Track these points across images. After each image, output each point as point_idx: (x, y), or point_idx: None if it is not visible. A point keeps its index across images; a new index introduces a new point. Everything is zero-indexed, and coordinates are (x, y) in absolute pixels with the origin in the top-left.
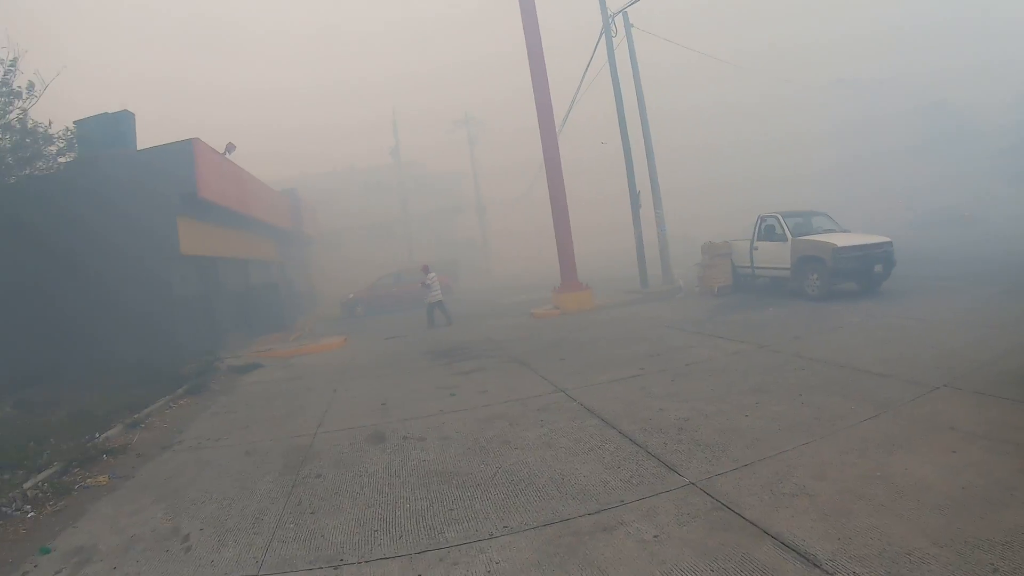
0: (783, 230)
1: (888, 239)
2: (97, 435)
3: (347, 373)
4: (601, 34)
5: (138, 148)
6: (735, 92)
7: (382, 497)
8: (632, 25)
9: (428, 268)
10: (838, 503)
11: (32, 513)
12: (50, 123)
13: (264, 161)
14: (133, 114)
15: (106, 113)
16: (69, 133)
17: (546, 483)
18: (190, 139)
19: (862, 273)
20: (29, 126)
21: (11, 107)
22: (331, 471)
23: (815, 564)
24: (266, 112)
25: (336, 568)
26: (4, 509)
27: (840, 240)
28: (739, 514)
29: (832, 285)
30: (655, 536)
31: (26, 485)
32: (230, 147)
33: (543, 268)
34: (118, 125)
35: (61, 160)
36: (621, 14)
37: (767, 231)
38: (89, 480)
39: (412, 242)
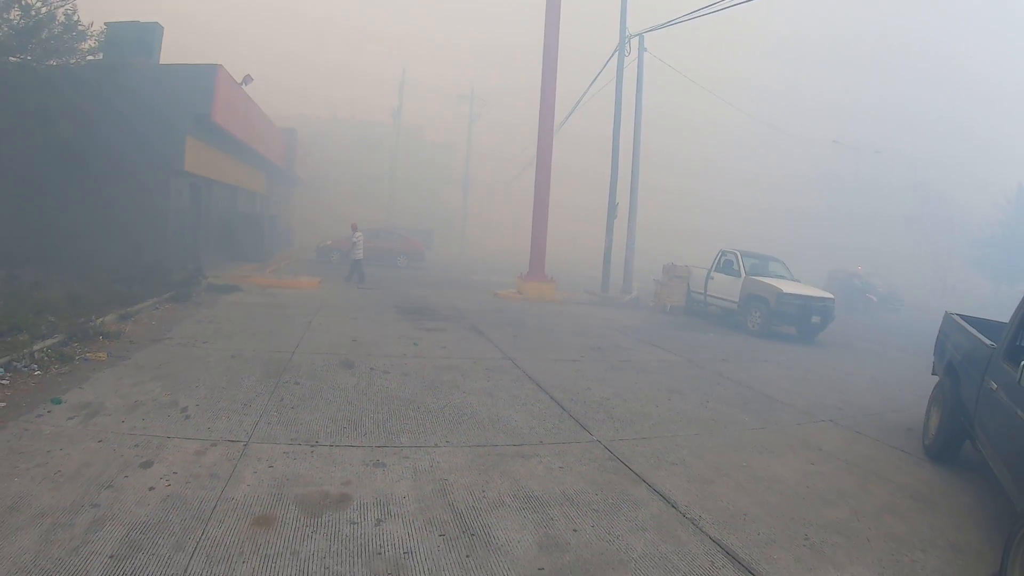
0: (739, 267)
1: (831, 296)
2: (94, 318)
3: (321, 311)
4: (615, 52)
5: (160, 62)
6: (736, 128)
7: (350, 406)
8: (645, 49)
9: (356, 227)
10: (705, 475)
11: (38, 372)
12: (92, 23)
13: (266, 90)
14: (162, 27)
15: (138, 21)
16: (101, 34)
17: (484, 420)
18: (215, 64)
19: (801, 320)
20: (73, 19)
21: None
22: (307, 381)
23: (672, 505)
24: (280, 39)
25: (312, 447)
26: (15, 364)
27: (787, 287)
28: (627, 465)
29: (772, 325)
30: (560, 467)
31: (34, 347)
32: (247, 79)
33: (513, 258)
34: (145, 35)
35: (89, 59)
36: (638, 37)
37: (725, 265)
38: (88, 354)
39: (394, 203)
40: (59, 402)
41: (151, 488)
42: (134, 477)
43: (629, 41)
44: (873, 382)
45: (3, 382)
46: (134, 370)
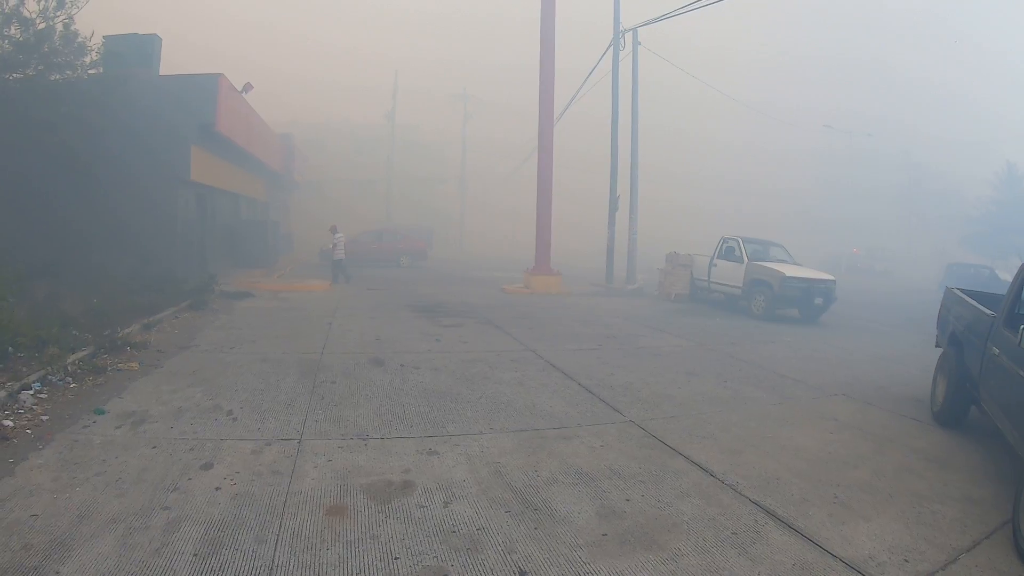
0: (741, 253)
1: (832, 277)
2: (119, 329)
3: (338, 312)
4: (609, 45)
5: (160, 73)
6: (733, 118)
7: (391, 402)
8: (640, 43)
9: (336, 228)
10: (734, 446)
11: (73, 384)
12: (92, 34)
13: (261, 100)
14: (161, 39)
15: (136, 34)
16: (100, 47)
17: (520, 407)
18: (216, 74)
19: (804, 302)
20: (71, 30)
21: (59, 12)
22: (343, 380)
23: (711, 474)
24: (273, 51)
25: (364, 440)
26: (51, 378)
27: (789, 271)
28: (663, 441)
29: (776, 308)
30: (601, 445)
31: (67, 360)
32: (247, 87)
33: (513, 252)
34: (144, 47)
35: (91, 72)
36: (632, 31)
37: (727, 251)
38: (120, 365)
39: (392, 203)
40: (102, 412)
41: (217, 488)
42: (197, 479)
43: (623, 36)
44: (878, 358)
45: (41, 395)
46: (169, 377)
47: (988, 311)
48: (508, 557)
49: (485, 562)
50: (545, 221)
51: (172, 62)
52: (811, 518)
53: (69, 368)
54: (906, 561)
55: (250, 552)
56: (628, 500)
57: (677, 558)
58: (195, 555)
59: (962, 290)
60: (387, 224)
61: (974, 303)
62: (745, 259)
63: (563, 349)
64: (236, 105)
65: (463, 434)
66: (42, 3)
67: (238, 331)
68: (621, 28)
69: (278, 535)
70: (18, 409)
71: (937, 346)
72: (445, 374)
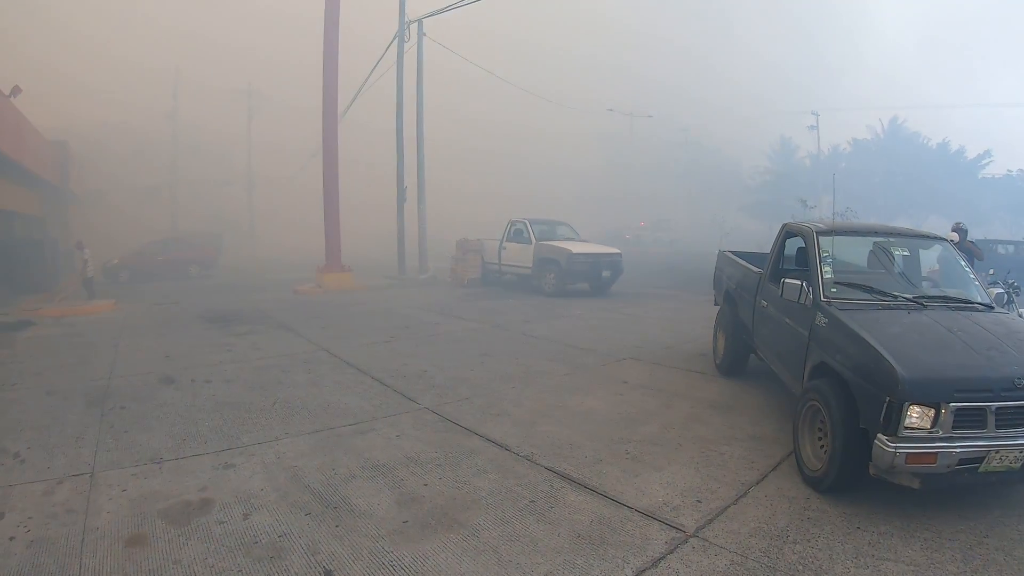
0: (529, 234)
1: (618, 251)
2: None
3: (125, 332)
4: (395, 37)
5: None
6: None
7: (184, 420)
8: (424, 34)
9: (81, 244)
10: (528, 419)
11: None
12: None
13: (31, 102)
14: None
15: None
16: None
17: (316, 408)
18: None
19: (592, 276)
20: None
21: None
22: (133, 404)
23: (506, 448)
24: (45, 48)
25: (159, 464)
26: None
27: (575, 247)
28: (458, 423)
29: (566, 284)
30: (397, 435)
31: None
32: (16, 90)
33: (308, 251)
34: None
35: None
36: (417, 23)
37: (516, 234)
38: None
39: (179, 209)
40: None
41: (11, 538)
42: None
43: (409, 26)
44: (664, 320)
45: None
46: None
47: (756, 269)
48: (312, 559)
49: (290, 568)
50: (333, 218)
51: None
52: (605, 476)
53: None
54: (699, 502)
55: None
56: (426, 485)
57: (478, 533)
58: None
59: (733, 252)
60: (174, 233)
61: (743, 263)
62: (533, 240)
63: (356, 344)
64: (4, 112)
65: (258, 443)
66: None
67: (20, 365)
68: (407, 19)
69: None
70: None
71: (715, 304)
72: (238, 384)
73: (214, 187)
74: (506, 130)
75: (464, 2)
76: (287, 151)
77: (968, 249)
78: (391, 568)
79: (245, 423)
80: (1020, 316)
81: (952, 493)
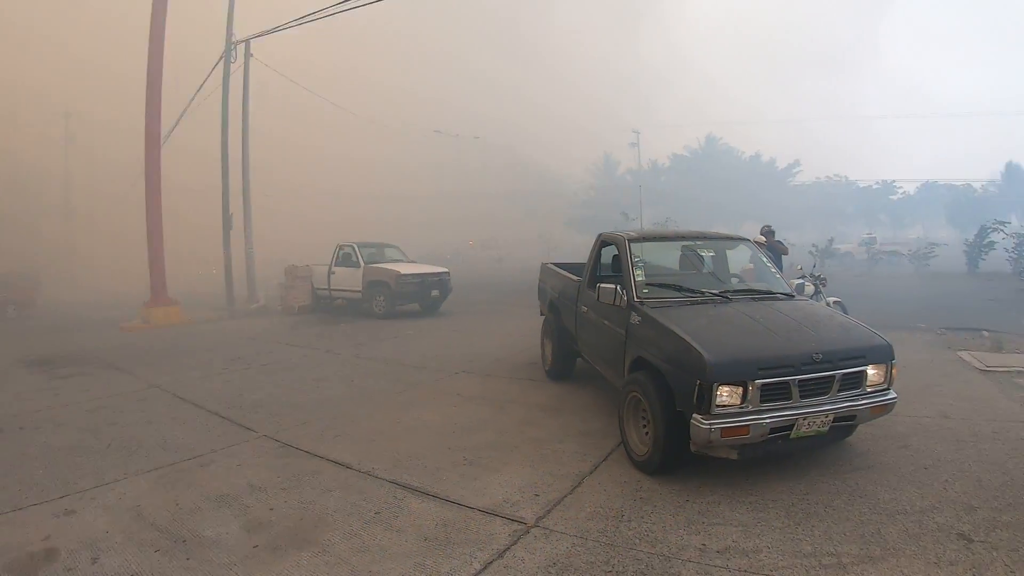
0: (357, 258)
1: (446, 270)
2: None
3: None
4: (221, 57)
5: None
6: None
7: (15, 470)
8: (251, 55)
9: None
10: (366, 437)
11: None
12: None
13: None
14: None
15: None
16: None
17: (153, 446)
18: None
19: (422, 296)
20: None
21: None
22: None
23: (348, 467)
24: None
25: None
26: None
27: (403, 268)
28: (297, 447)
29: (395, 305)
30: (238, 465)
31: None
32: None
33: (128, 284)
34: None
35: None
36: (244, 43)
37: (344, 258)
38: None
39: None
40: None
41: None
42: None
43: (236, 47)
44: (494, 334)
45: None
46: None
47: (575, 277)
48: None
49: None
50: (157, 249)
51: None
52: (445, 482)
53: None
54: (537, 495)
55: None
56: (272, 509)
57: (328, 548)
58: None
59: (554, 263)
60: None
61: (564, 272)
62: (362, 263)
63: (190, 379)
64: None
65: (97, 486)
66: None
67: None
68: (234, 40)
69: None
70: None
71: (541, 314)
72: (70, 428)
73: (31, 220)
74: (340, 159)
75: (291, 24)
76: (108, 178)
77: (774, 247)
78: None
79: (81, 468)
80: (827, 304)
81: (773, 462)
